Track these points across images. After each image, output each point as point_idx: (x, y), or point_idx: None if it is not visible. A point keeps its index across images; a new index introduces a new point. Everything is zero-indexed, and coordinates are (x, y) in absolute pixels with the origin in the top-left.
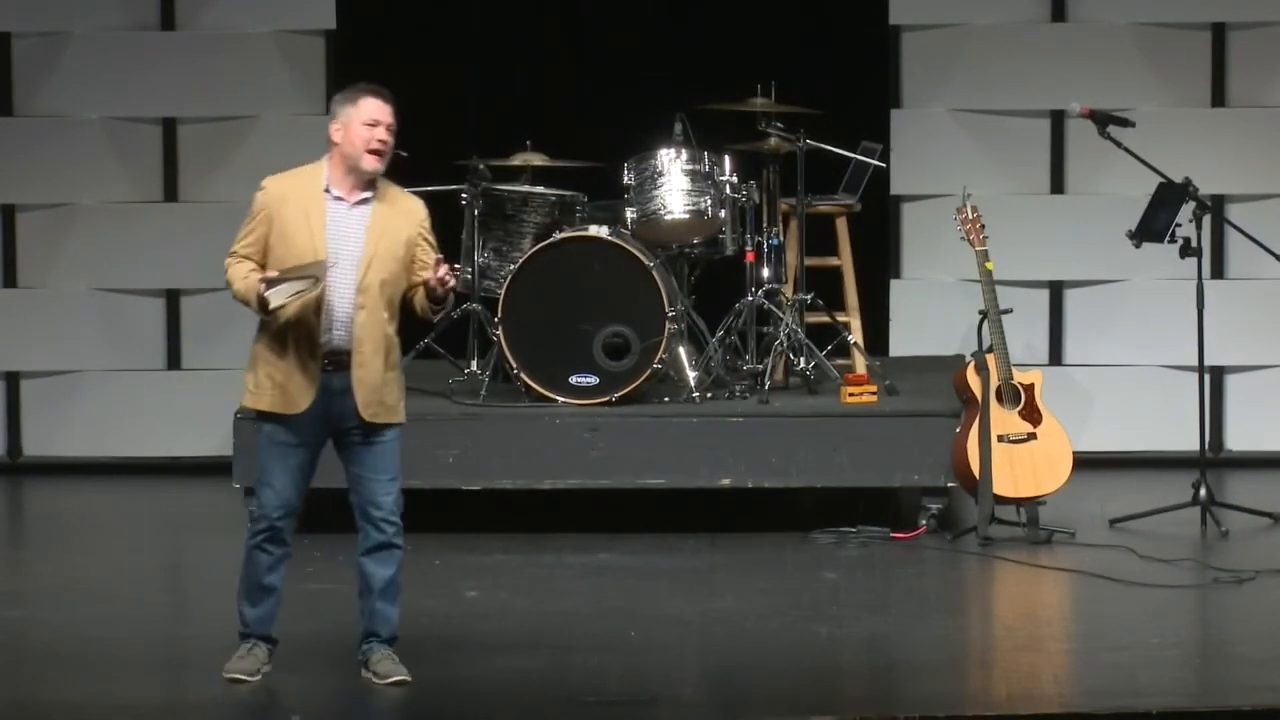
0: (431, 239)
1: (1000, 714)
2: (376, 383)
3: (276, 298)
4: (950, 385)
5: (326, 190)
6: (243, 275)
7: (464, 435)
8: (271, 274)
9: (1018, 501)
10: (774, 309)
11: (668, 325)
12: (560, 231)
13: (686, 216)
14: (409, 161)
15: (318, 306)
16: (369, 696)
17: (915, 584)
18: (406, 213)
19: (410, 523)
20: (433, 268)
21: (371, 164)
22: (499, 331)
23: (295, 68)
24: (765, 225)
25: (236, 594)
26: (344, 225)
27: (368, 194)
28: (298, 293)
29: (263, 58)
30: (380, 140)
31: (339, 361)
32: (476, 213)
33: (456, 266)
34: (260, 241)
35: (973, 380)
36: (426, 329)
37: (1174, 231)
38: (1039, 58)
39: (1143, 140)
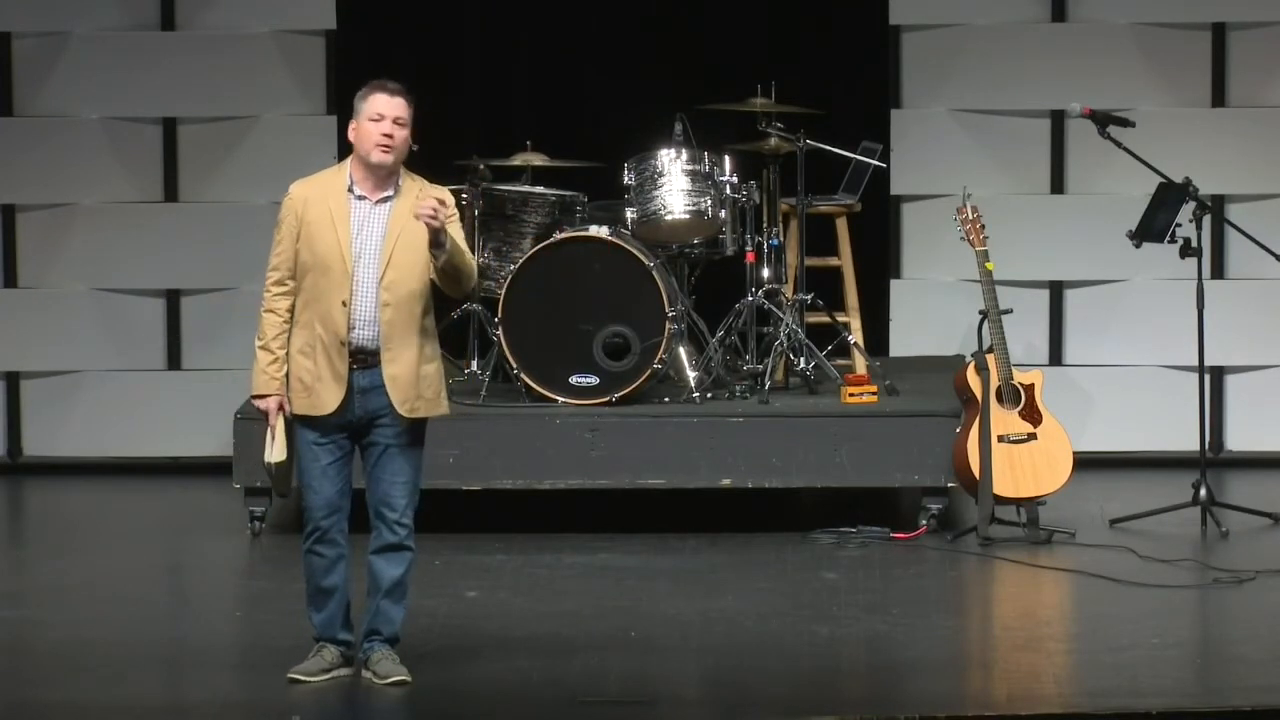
0: (453, 220)
1: (1000, 714)
2: (411, 378)
3: (268, 451)
4: (950, 385)
5: (350, 190)
6: (264, 365)
7: (464, 435)
8: (281, 434)
9: (1018, 501)
10: (774, 309)
11: (668, 325)
12: (560, 231)
13: (686, 217)
14: (410, 159)
15: (344, 306)
16: (369, 696)
17: (915, 584)
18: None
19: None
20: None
21: (379, 157)
22: (499, 331)
23: (295, 68)
24: (765, 225)
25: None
26: (367, 224)
27: (390, 192)
28: (266, 463)
29: (263, 58)
30: (385, 134)
31: (364, 360)
32: (476, 213)
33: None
34: (290, 252)
35: (973, 380)
36: None
37: (1174, 231)
38: (1039, 58)
39: (1143, 140)
